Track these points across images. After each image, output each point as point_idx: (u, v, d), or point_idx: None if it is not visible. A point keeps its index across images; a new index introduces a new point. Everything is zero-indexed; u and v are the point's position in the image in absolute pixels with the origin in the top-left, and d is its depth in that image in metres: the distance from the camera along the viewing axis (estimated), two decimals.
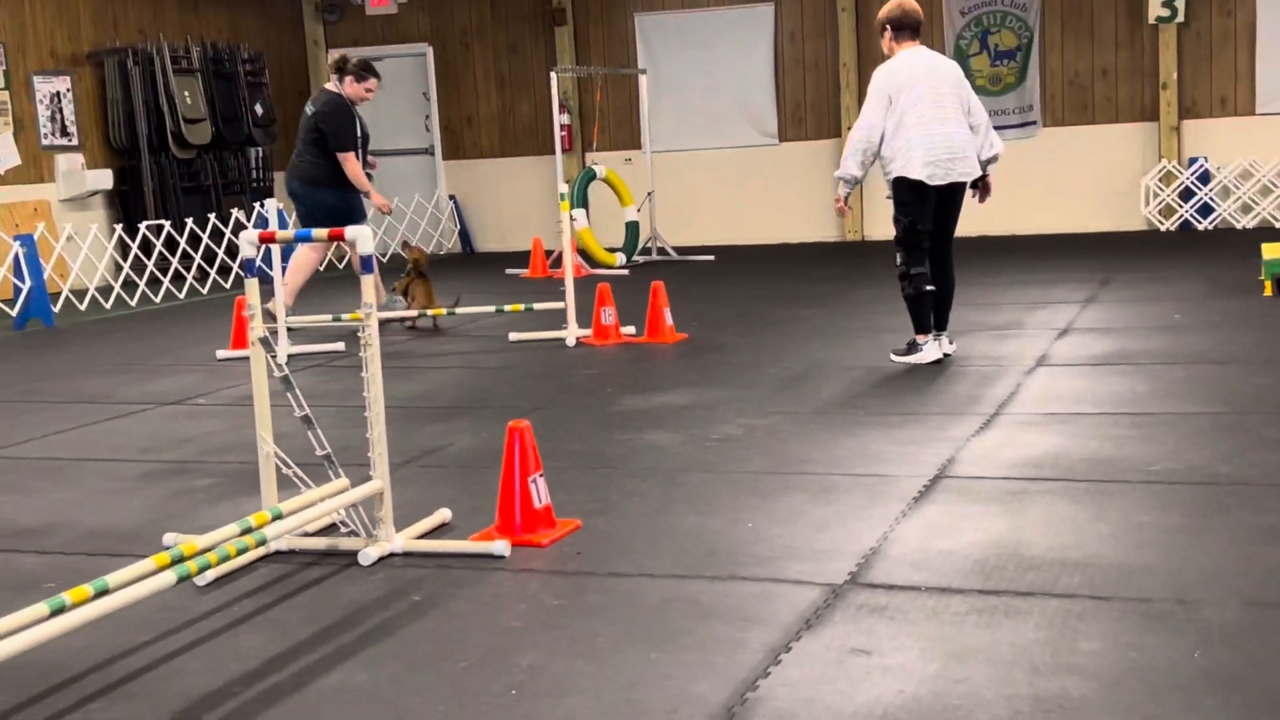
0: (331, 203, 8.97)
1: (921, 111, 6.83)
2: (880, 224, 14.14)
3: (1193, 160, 13.30)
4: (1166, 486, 4.32)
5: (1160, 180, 13.37)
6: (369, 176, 9.20)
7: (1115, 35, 13.51)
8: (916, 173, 6.76)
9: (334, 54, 13.44)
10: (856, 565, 3.72)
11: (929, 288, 6.87)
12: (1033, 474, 4.57)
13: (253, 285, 4.05)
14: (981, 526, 4.01)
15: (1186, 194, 13.31)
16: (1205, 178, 13.25)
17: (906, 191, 6.80)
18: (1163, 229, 13.34)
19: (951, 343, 7.10)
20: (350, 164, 8.93)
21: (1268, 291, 8.43)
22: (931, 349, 6.92)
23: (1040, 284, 9.84)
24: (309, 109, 9.05)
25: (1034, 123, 13.83)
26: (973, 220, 13.11)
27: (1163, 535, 3.83)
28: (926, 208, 6.90)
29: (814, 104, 14.51)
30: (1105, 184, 13.67)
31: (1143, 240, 12.75)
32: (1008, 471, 4.62)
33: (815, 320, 8.68)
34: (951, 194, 6.86)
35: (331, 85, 9.04)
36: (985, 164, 6.79)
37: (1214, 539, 3.76)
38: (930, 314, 6.87)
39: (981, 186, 6.86)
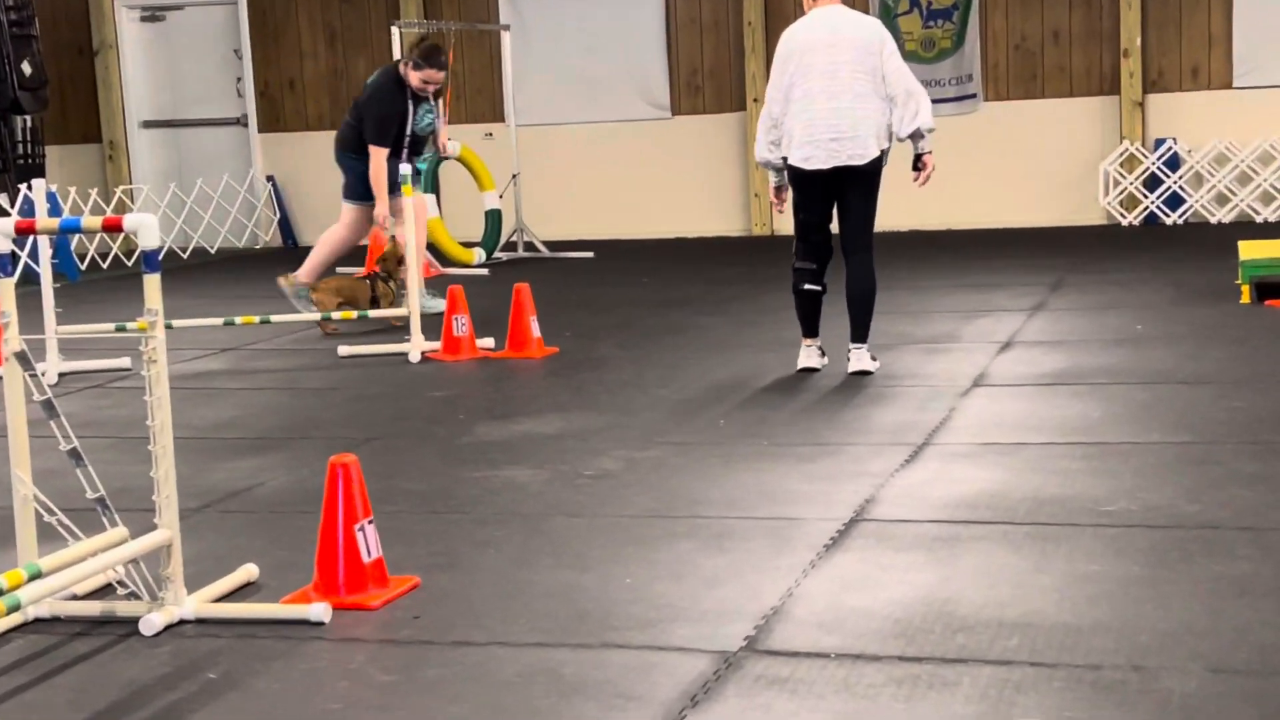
0: (348, 168, 9.49)
1: (810, 85, 7.00)
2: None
3: (1159, 142, 13.69)
4: (1122, 530, 4.43)
5: (1121, 165, 13.74)
6: (439, 156, 9.71)
7: None
8: (792, 156, 6.98)
9: None
10: (755, 628, 3.75)
11: (807, 286, 7.16)
12: (966, 516, 4.65)
13: (7, 286, 3.95)
14: (904, 579, 4.07)
15: (1152, 182, 13.70)
16: (1174, 163, 13.65)
17: (791, 177, 7.08)
18: (1124, 223, 13.71)
19: (874, 359, 7.24)
20: (374, 160, 9.33)
21: (1245, 298, 8.72)
22: (804, 356, 7.20)
23: (979, 288, 10.05)
24: (369, 80, 9.66)
25: (973, 95, 14.13)
26: (900, 212, 13.35)
27: (1116, 589, 3.93)
28: (809, 196, 7.10)
29: (713, 70, 14.65)
30: (1057, 169, 14.02)
31: (1101, 236, 13.10)
32: (937, 513, 4.70)
33: (714, 331, 8.75)
34: (843, 181, 7.01)
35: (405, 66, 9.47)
36: (914, 140, 6.93)
37: (1176, 593, 3.87)
38: (810, 316, 7.20)
39: (919, 166, 7.01)
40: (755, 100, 14.30)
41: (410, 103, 9.43)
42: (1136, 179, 13.67)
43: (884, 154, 7.00)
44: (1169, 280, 9.87)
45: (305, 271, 9.61)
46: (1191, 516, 4.52)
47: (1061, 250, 12.02)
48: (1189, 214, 13.64)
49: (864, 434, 5.90)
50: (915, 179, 7.04)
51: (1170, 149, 13.60)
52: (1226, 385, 6.53)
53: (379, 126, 9.34)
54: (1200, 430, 5.68)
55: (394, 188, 9.43)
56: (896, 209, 12.74)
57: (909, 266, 11.16)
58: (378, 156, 9.33)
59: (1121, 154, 13.67)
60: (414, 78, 9.37)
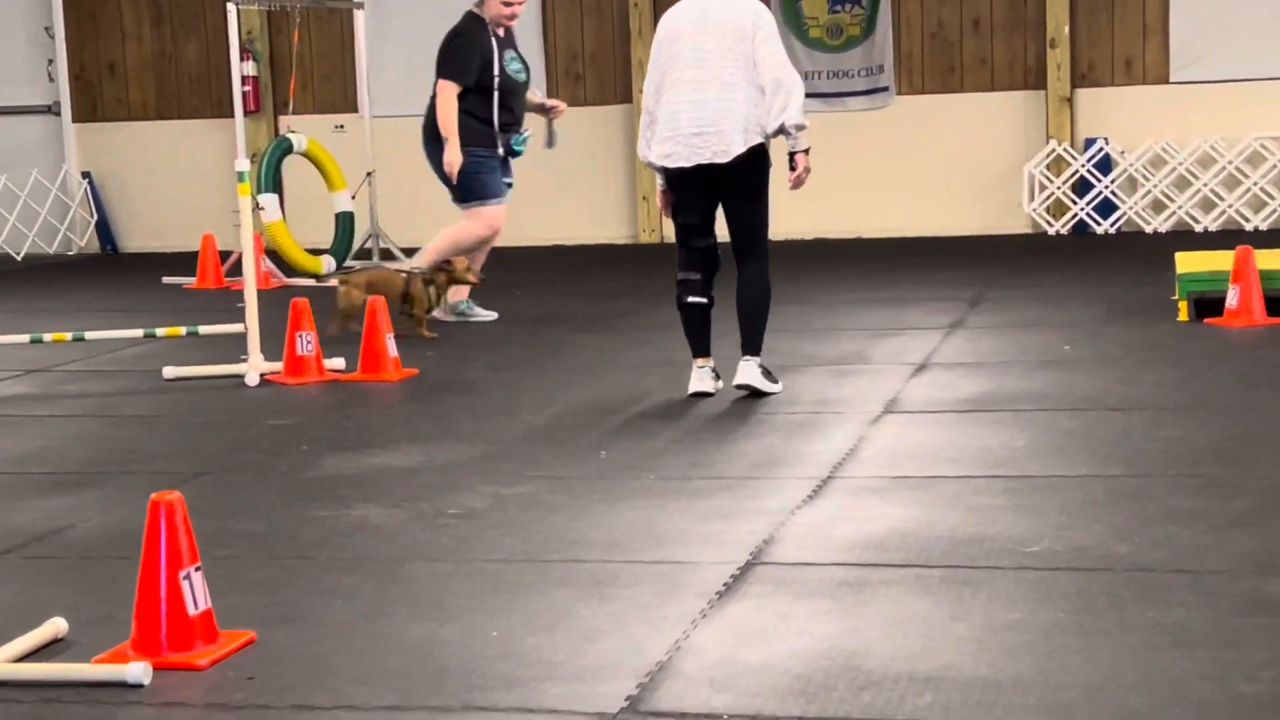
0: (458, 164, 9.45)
1: (677, 74, 7.12)
2: (658, 222, 14.39)
3: (1089, 142, 13.97)
4: (1046, 574, 4.50)
5: (1048, 168, 14.00)
6: (522, 130, 9.62)
7: None
8: (654, 153, 7.11)
9: None
10: (638, 686, 3.75)
11: (691, 299, 7.25)
12: (874, 558, 4.70)
13: None
14: (806, 630, 4.10)
15: (1082, 186, 13.97)
16: (1106, 165, 13.94)
17: (667, 177, 7.20)
18: (1051, 231, 13.96)
19: (773, 380, 7.30)
20: (444, 95, 9.36)
21: (1183, 315, 8.92)
22: (694, 378, 7.25)
23: (892, 303, 10.17)
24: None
25: (885, 88, 14.32)
26: (803, 218, 13.49)
27: (1039, 638, 3.99)
28: (685, 198, 7.21)
29: (595, 57, 14.72)
30: (977, 171, 14.24)
31: (1026, 246, 13.32)
32: (842, 555, 4.74)
33: (596, 350, 8.77)
34: (719, 181, 7.09)
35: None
36: (784, 137, 7.03)
37: (1105, 643, 3.94)
38: (697, 332, 7.26)
39: (793, 166, 7.09)
40: (642, 91, 14.36)
41: (494, 42, 9.48)
42: (1064, 183, 13.93)
43: (759, 150, 7.06)
44: (1100, 295, 10.06)
45: (424, 256, 9.58)
46: (1122, 558, 4.61)
47: (982, 261, 12.20)
48: (1122, 222, 13.92)
49: (762, 467, 5.94)
50: (789, 181, 7.13)
51: (1101, 150, 13.88)
52: (1162, 412, 6.67)
53: (459, 60, 9.38)
54: (1133, 462, 5.79)
55: (505, 170, 9.60)
56: (798, 215, 12.89)
57: (813, 279, 11.26)
58: (447, 92, 9.36)
59: (1048, 155, 13.92)
60: (498, 6, 9.45)
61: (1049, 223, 13.99)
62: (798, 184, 7.12)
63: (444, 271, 9.44)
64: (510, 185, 9.84)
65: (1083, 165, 13.83)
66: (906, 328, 9.15)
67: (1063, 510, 5.16)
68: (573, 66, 14.76)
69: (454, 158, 9.41)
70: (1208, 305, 8.96)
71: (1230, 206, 13.64)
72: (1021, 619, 4.12)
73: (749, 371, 7.21)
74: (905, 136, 14.18)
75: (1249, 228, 13.50)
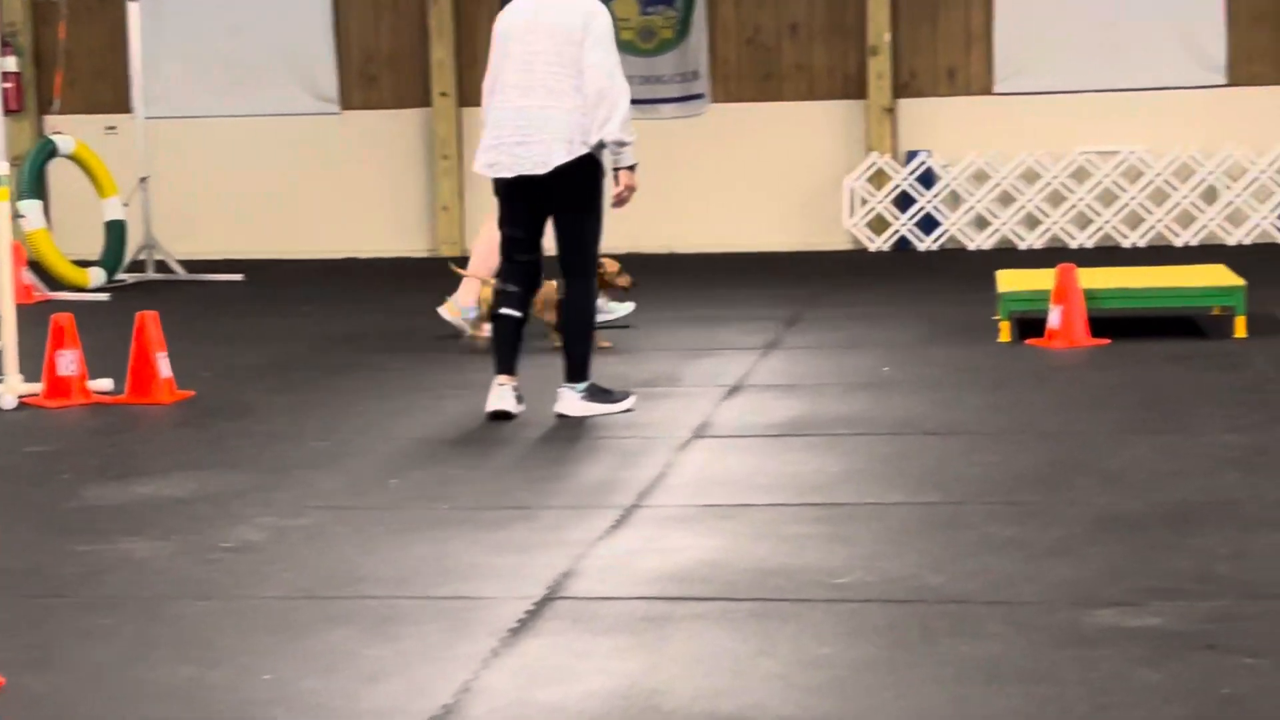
0: None
1: (506, 78, 7.17)
2: None
3: (911, 154, 14.25)
4: (857, 606, 4.56)
5: (869, 181, 14.23)
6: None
7: None
8: (478, 161, 7.20)
9: None
10: None
11: (504, 310, 7.29)
12: (679, 591, 4.72)
13: None
14: (605, 668, 4.10)
15: (903, 201, 14.22)
16: (928, 179, 14.22)
17: (494, 187, 7.26)
18: (872, 248, 14.19)
19: (619, 400, 7.40)
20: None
21: (1004, 336, 9.11)
22: (494, 396, 7.27)
23: (704, 322, 10.26)
24: None
25: (700, 96, 14.45)
26: (614, 232, 13.43)
27: (849, 674, 4.03)
28: (509, 209, 7.29)
29: (392, 57, 14.64)
30: (795, 184, 14.43)
31: (845, 263, 13.52)
32: (645, 589, 4.75)
33: (389, 371, 8.73)
34: (543, 193, 7.14)
35: None
36: (611, 150, 7.09)
37: (917, 678, 3.99)
38: (504, 346, 7.28)
39: (615, 184, 7.17)
40: (443, 94, 14.33)
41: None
42: (886, 198, 14.17)
43: (586, 162, 7.09)
44: (921, 315, 10.24)
45: (467, 292, 9.51)
46: (936, 589, 4.68)
47: (801, 279, 12.36)
48: (944, 239, 14.20)
49: (563, 495, 5.94)
50: (611, 198, 7.19)
51: (924, 163, 14.16)
52: (980, 437, 6.80)
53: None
54: (950, 489, 5.90)
55: None
56: (610, 229, 12.76)
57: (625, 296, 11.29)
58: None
59: (869, 168, 14.16)
60: None
61: (870, 239, 14.22)
62: (619, 202, 7.19)
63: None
64: None
65: (904, 179, 14.08)
66: (720, 348, 9.23)
67: (876, 539, 5.23)
68: (367, 68, 14.66)
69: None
70: (1030, 326, 9.17)
71: (1054, 223, 14.01)
72: (831, 654, 4.16)
73: (568, 401, 7.25)
74: (721, 147, 14.33)
75: (1073, 245, 13.87)
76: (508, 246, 7.29)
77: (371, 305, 11.44)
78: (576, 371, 7.27)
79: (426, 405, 7.73)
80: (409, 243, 14.63)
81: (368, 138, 14.63)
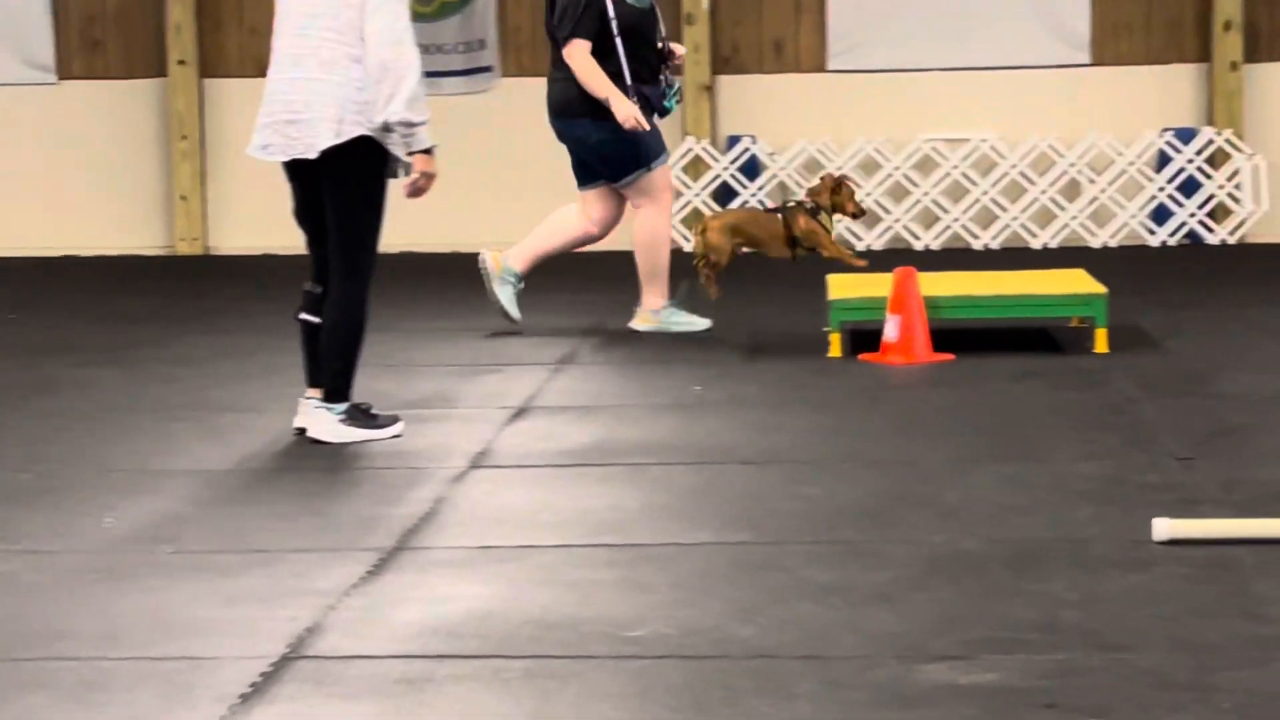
0: (596, 140, 9.81)
1: (280, 43, 7.22)
2: (241, 230, 14.21)
3: (733, 140, 14.37)
4: (651, 663, 4.56)
5: (684, 170, 14.32)
6: (663, 81, 9.88)
7: None
8: (252, 142, 7.23)
9: None
10: None
11: (303, 315, 7.34)
12: (445, 648, 4.69)
13: None
14: None
15: (724, 193, 14.34)
16: (752, 168, 14.35)
17: None
18: (687, 247, 14.25)
19: (384, 425, 7.37)
20: (578, 57, 9.62)
21: (834, 350, 9.21)
22: (299, 413, 7.32)
23: (489, 334, 10.26)
24: None
25: (487, 68, 14.44)
26: (385, 227, 13.43)
27: None
28: (295, 196, 7.37)
29: (120, 19, 14.44)
30: None
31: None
32: (404, 645, 4.72)
33: (107, 389, 8.63)
34: (314, 178, 7.17)
35: None
36: (400, 133, 7.07)
37: None
38: (307, 357, 7.34)
39: (408, 171, 7.20)
40: (182, 62, 14.14)
41: None
42: (703, 190, 14.28)
43: (362, 145, 7.08)
44: (741, 325, 10.32)
45: (522, 253, 10.12)
46: (743, 642, 4.71)
47: (604, 282, 12.38)
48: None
49: (313, 536, 5.90)
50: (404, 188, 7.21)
51: (747, 150, 14.29)
52: (802, 466, 6.87)
53: (575, 12, 9.59)
54: (764, 526, 5.94)
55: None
56: (384, 224, 12.83)
57: (391, 301, 11.20)
58: (580, 52, 9.59)
59: (684, 156, 14.24)
60: None
61: (685, 237, 14.28)
62: (414, 192, 7.20)
63: (826, 192, 9.83)
64: None
65: (725, 168, 14.20)
66: (505, 363, 9.23)
67: (677, 585, 5.25)
68: (89, 30, 14.42)
69: (628, 109, 9.58)
70: (864, 338, 9.28)
71: (896, 221, 14.22)
72: (617, 719, 4.17)
73: (323, 424, 7.23)
74: (512, 128, 14.29)
75: (917, 246, 14.09)
76: (308, 241, 7.35)
77: (92, 312, 11.27)
78: (335, 390, 7.23)
79: (150, 429, 7.64)
80: (140, 238, 14.41)
81: (90, 113, 14.39)
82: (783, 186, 14.32)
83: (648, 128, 9.72)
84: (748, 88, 14.45)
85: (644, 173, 9.91)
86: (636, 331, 10.03)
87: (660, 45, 10.00)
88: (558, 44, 9.81)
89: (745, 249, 10.13)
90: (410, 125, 7.03)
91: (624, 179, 9.97)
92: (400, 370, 9.01)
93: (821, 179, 10.23)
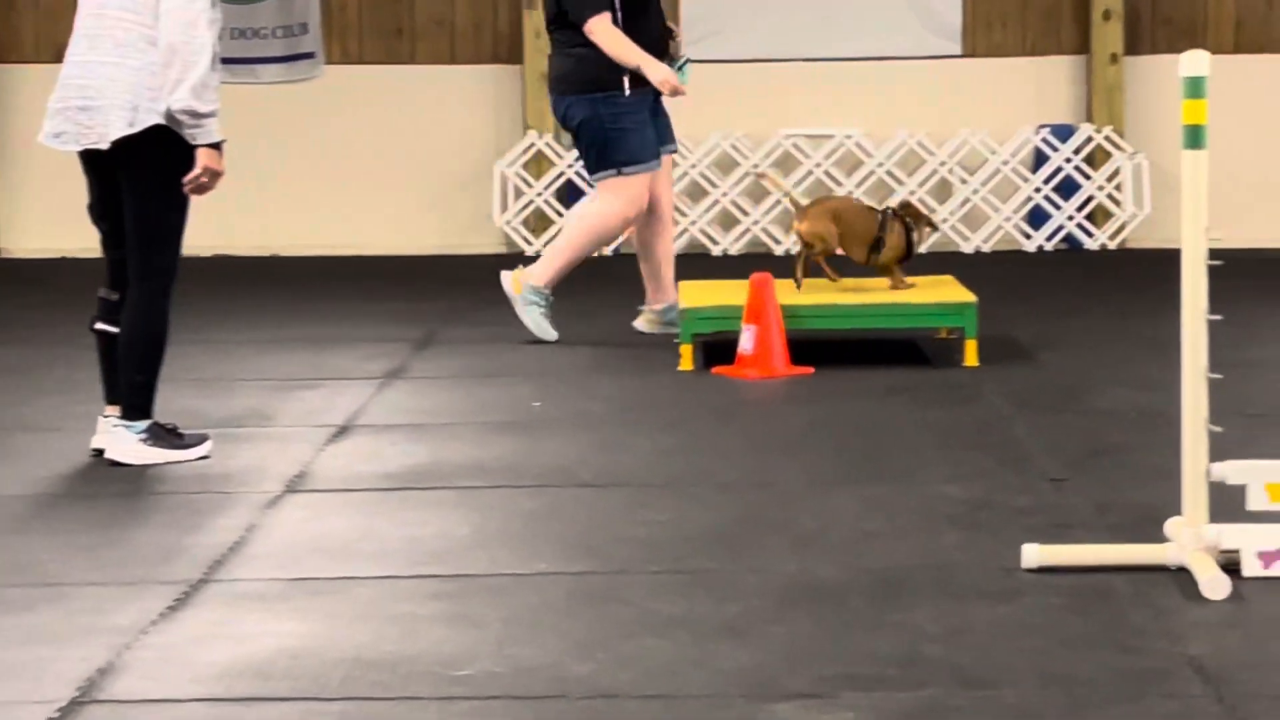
0: (578, 121, 9.90)
1: (79, 23, 7.17)
2: (35, 231, 14.06)
3: None
4: (479, 704, 4.55)
5: (526, 168, 14.31)
6: (675, 59, 10.01)
7: None
8: (43, 129, 7.16)
9: None
10: None
11: (98, 324, 7.28)
12: (251, 690, 4.66)
13: None
14: None
15: (570, 192, 14.31)
16: None
17: None
18: (530, 250, 14.24)
19: (190, 445, 7.30)
20: (603, 31, 9.70)
21: (686, 363, 9.24)
22: (99, 432, 7.28)
23: (311, 344, 10.23)
24: None
25: (309, 55, 14.33)
26: (198, 227, 13.25)
27: None
28: (91, 191, 7.31)
29: None
30: (433, 170, 14.42)
31: (495, 270, 13.44)
32: (207, 687, 4.68)
33: None
34: (107, 168, 7.14)
35: None
36: (187, 122, 7.03)
37: None
38: (104, 371, 7.29)
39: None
40: None
41: None
42: (547, 188, 14.26)
43: (158, 135, 7.04)
44: (585, 336, 10.33)
45: (545, 268, 10.03)
46: (581, 681, 4.71)
47: (436, 290, 12.38)
48: (620, 240, 14.30)
49: (109, 568, 5.83)
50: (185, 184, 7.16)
51: None
52: (648, 489, 6.88)
53: None
54: (607, 555, 5.94)
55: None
56: (193, 225, 12.65)
57: (204, 310, 11.13)
58: (604, 27, 9.68)
59: (526, 151, 14.24)
60: None
61: (527, 240, 14.28)
62: (197, 189, 7.14)
63: (917, 215, 9.76)
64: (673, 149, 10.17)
65: (570, 165, 14.18)
66: (327, 377, 9.19)
67: (510, 620, 5.24)
68: None
69: (663, 73, 9.72)
70: (719, 350, 9.32)
71: (755, 223, 14.28)
72: None
73: (122, 444, 7.18)
74: (337, 121, 14.24)
75: (778, 251, 14.15)
76: (102, 240, 7.31)
77: None
78: (135, 406, 7.17)
79: None
80: None
81: None
82: None
83: (684, 91, 9.86)
84: None
85: (613, 174, 9.90)
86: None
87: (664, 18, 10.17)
88: (561, 26, 9.95)
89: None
90: (197, 115, 6.98)
91: (596, 173, 10.00)
92: (210, 385, 8.94)
93: (907, 203, 10.12)
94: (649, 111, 9.96)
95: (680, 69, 10.02)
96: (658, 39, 10.00)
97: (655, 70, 9.72)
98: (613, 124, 9.83)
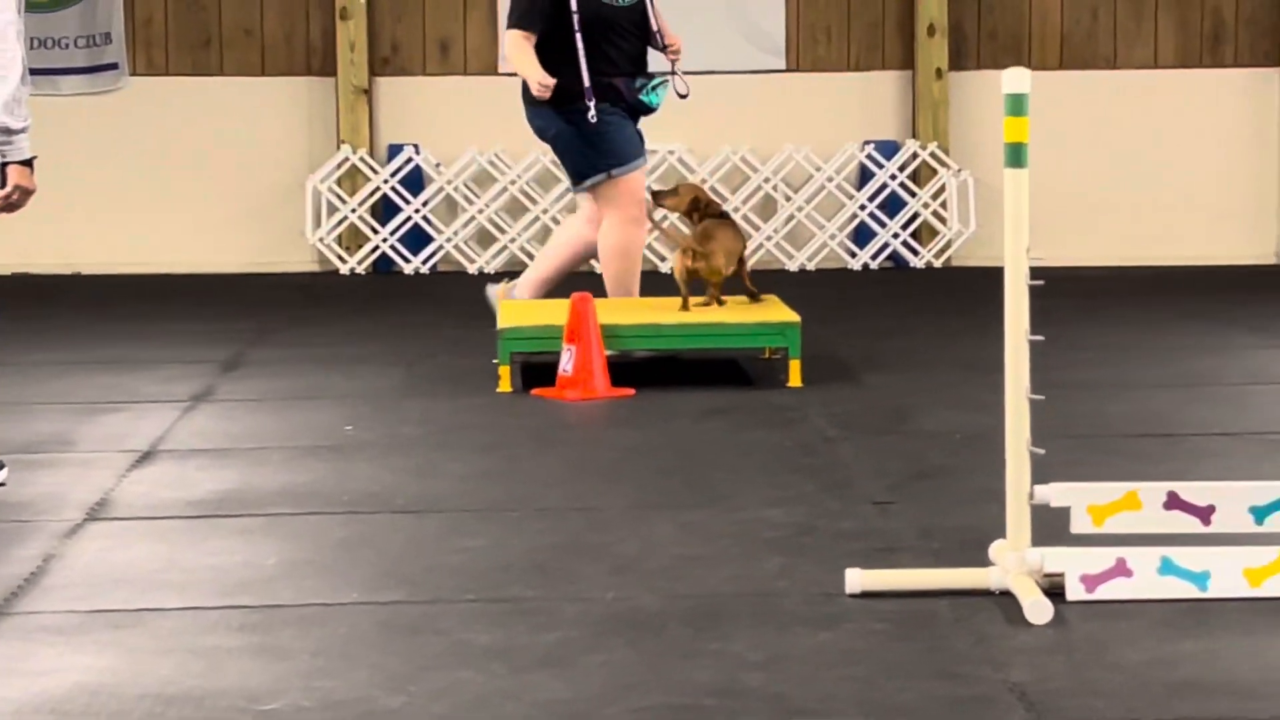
0: (554, 132, 10.01)
1: None
2: None
3: (394, 149, 14.33)
4: None
5: (340, 183, 14.25)
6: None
7: None
8: None
9: None
10: None
11: None
12: None
13: None
14: None
15: (386, 209, 14.28)
16: (416, 182, 14.32)
17: None
18: (344, 269, 14.21)
19: None
20: (512, 46, 9.97)
21: (504, 385, 9.22)
22: None
23: (113, 367, 10.14)
24: None
25: (113, 66, 14.20)
26: (2, 242, 13.22)
27: None
28: None
29: None
30: (243, 185, 14.35)
31: (308, 288, 13.52)
32: None
33: None
34: None
35: None
36: None
37: None
38: None
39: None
40: None
41: None
42: (362, 204, 14.22)
43: None
44: (402, 357, 10.32)
45: (529, 285, 10.12)
46: (391, 714, 4.67)
47: (247, 309, 12.29)
48: (438, 257, 14.32)
49: None
50: None
51: (410, 160, 14.26)
52: (465, 515, 6.86)
53: (519, 6, 9.85)
54: (420, 584, 5.91)
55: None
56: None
57: (1, 331, 10.99)
58: (515, 43, 9.91)
59: (339, 166, 14.18)
60: None
61: (341, 257, 14.23)
62: (8, 207, 7.08)
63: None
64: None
65: (386, 181, 14.16)
66: (131, 401, 9.11)
67: (319, 652, 5.19)
68: None
69: (538, 75, 9.73)
70: (540, 372, 9.32)
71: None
72: None
73: None
74: (142, 134, 14.14)
75: (599, 269, 14.14)
76: None
77: None
78: None
79: None
80: None
81: None
82: (451, 202, 14.32)
83: (549, 92, 9.72)
84: (410, 91, 14.43)
85: (603, 178, 9.85)
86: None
87: (654, 35, 10.06)
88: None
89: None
90: (9, 132, 6.91)
91: (582, 182, 9.94)
92: (7, 409, 8.81)
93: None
94: (622, 111, 9.91)
95: (652, 88, 9.99)
96: (636, 58, 10.00)
97: (531, 76, 9.77)
98: (589, 127, 9.78)
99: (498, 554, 6.29)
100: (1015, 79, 5.59)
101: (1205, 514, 5.58)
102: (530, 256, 14.13)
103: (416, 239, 14.30)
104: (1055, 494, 5.62)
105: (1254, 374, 9.83)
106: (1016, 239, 5.57)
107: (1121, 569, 5.52)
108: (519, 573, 6.05)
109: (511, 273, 13.94)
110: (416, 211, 14.23)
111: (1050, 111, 13.57)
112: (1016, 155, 5.58)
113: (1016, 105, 5.58)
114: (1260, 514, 5.59)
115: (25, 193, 7.02)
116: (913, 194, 14.45)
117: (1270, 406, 8.83)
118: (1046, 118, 13.11)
